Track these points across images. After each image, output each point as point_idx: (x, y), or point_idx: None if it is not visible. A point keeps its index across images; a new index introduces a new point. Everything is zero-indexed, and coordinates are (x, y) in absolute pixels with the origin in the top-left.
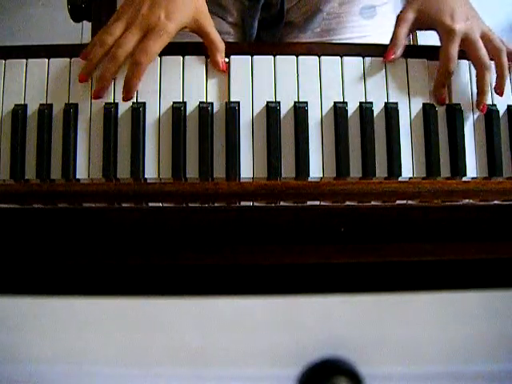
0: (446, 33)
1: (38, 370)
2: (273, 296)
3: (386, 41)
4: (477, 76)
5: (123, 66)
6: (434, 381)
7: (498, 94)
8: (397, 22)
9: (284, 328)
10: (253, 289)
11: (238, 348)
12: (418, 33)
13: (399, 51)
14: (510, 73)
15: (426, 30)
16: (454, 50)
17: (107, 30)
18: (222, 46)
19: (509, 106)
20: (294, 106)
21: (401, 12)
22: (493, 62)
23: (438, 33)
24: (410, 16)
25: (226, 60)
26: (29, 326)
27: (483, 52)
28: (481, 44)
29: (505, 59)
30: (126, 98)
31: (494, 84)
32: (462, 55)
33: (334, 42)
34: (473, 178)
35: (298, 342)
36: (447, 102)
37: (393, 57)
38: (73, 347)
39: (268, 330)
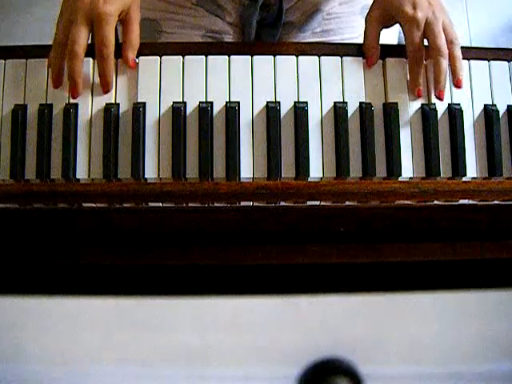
0: (408, 21)
1: (38, 370)
2: (273, 296)
3: (386, 41)
4: (434, 64)
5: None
6: (434, 381)
7: (455, 86)
8: (366, 23)
9: (284, 328)
10: (253, 289)
11: (238, 348)
12: None
13: (376, 55)
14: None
15: (393, 24)
16: (417, 37)
17: (56, 32)
18: (136, 44)
19: (509, 106)
20: (294, 106)
21: (367, 13)
22: None
23: (400, 24)
24: (376, 14)
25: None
26: (29, 326)
27: (443, 41)
28: (440, 31)
29: (457, 51)
30: (105, 92)
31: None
32: (463, 55)
33: (333, 42)
34: (473, 178)
35: (297, 341)
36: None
37: (373, 63)
38: (72, 347)
39: (268, 330)
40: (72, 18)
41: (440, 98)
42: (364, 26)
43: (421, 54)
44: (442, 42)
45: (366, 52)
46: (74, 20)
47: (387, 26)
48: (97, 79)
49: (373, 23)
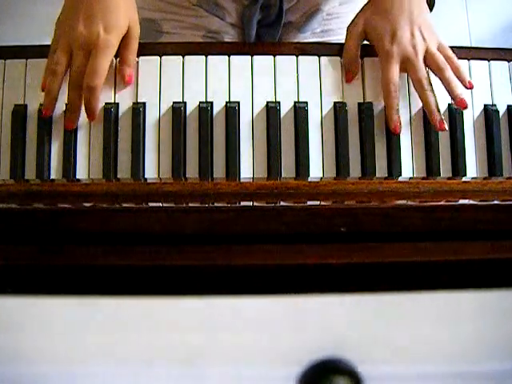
0: (383, 56)
1: (38, 370)
2: (273, 296)
3: None
4: (419, 97)
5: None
6: (434, 381)
7: (460, 108)
8: (346, 35)
9: (284, 328)
10: (253, 289)
11: (238, 348)
12: None
13: (354, 69)
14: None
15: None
16: (392, 71)
17: (54, 60)
18: (133, 61)
19: (509, 106)
20: (294, 106)
21: (350, 24)
22: None
23: (378, 56)
24: (358, 30)
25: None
26: (29, 326)
27: (422, 74)
28: (418, 65)
29: (450, 76)
30: (91, 120)
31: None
32: (462, 55)
33: (333, 42)
34: (473, 178)
35: (297, 342)
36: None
37: (352, 78)
38: (73, 347)
39: (268, 329)
40: (72, 46)
41: (441, 130)
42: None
43: (393, 88)
44: (421, 75)
45: (346, 66)
46: (73, 49)
47: (366, 42)
48: None
49: (353, 37)
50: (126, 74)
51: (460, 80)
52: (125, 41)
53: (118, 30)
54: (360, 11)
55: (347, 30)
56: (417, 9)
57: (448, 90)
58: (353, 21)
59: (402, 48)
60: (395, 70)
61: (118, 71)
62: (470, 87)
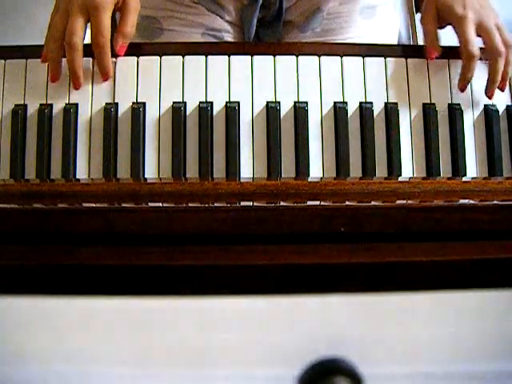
0: (459, 20)
1: (38, 370)
2: (273, 296)
3: (386, 41)
4: (490, 64)
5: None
6: (434, 381)
7: (499, 89)
8: (422, 25)
9: (284, 328)
10: (253, 289)
11: (238, 348)
12: (418, 33)
13: (438, 48)
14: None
15: (443, 27)
16: (470, 33)
17: (52, 25)
18: (129, 33)
19: (508, 106)
20: (294, 106)
21: (422, 15)
22: None
23: (452, 24)
24: (431, 14)
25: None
26: (29, 326)
27: (498, 40)
28: (495, 31)
29: (510, 55)
30: (105, 79)
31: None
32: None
33: (333, 42)
34: (473, 178)
35: (297, 341)
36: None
37: (436, 54)
38: (73, 347)
39: (268, 330)
40: (68, 10)
41: (489, 97)
42: (421, 26)
43: (474, 49)
44: (497, 40)
45: (429, 46)
46: (69, 11)
47: (440, 27)
48: (96, 79)
49: (430, 23)
50: (117, 44)
51: (504, 74)
52: (122, 12)
53: None
54: (425, 2)
55: (421, 21)
56: None
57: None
58: (423, 11)
59: (476, 13)
60: (472, 30)
61: (113, 42)
62: (503, 89)
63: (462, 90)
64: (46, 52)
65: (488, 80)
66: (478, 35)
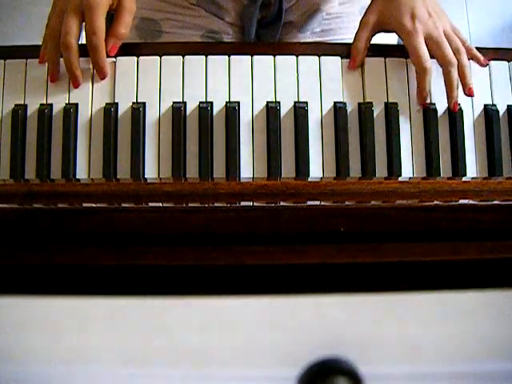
0: (408, 34)
1: (38, 370)
2: (273, 296)
3: (386, 41)
4: (444, 75)
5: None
6: (434, 381)
7: (466, 95)
8: (359, 26)
9: (284, 328)
10: (253, 289)
11: (238, 348)
12: None
13: (360, 59)
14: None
15: (387, 32)
16: (421, 47)
17: (48, 25)
18: (122, 35)
19: (509, 106)
20: (294, 106)
21: (363, 16)
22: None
23: (399, 36)
24: (372, 19)
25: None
26: (29, 326)
27: (447, 49)
28: (444, 41)
29: (465, 60)
30: (102, 78)
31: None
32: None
33: (333, 41)
34: (473, 178)
35: (297, 342)
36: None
37: (357, 64)
38: (73, 347)
39: (268, 330)
40: (64, 11)
41: (454, 110)
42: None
43: (427, 63)
44: (447, 51)
45: (352, 53)
46: (65, 11)
47: (381, 31)
48: (96, 79)
49: (366, 27)
50: (109, 44)
51: (462, 78)
52: (117, 13)
53: None
54: (370, 5)
55: (360, 22)
56: None
57: (446, 86)
58: (365, 13)
59: (424, 25)
60: (422, 42)
61: (105, 40)
62: (470, 94)
63: (424, 105)
64: (43, 52)
65: (446, 92)
66: (428, 48)
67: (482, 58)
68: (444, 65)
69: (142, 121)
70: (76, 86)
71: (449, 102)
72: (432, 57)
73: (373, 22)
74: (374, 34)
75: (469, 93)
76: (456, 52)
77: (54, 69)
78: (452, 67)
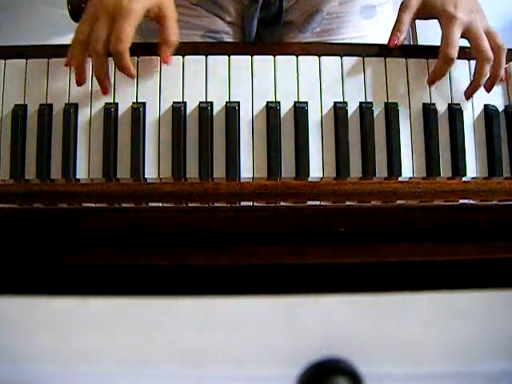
0: (448, 19)
1: (38, 370)
2: (273, 296)
3: (386, 41)
4: (476, 66)
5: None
6: (434, 381)
7: (486, 90)
8: (401, 8)
9: (284, 328)
10: (253, 289)
11: (238, 348)
12: (418, 33)
13: (403, 37)
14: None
15: (428, 19)
16: (455, 35)
17: (78, 30)
18: (173, 41)
19: (506, 107)
20: (294, 106)
21: (404, 0)
22: None
23: (439, 21)
24: (414, 3)
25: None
26: (29, 326)
27: (486, 44)
28: (482, 34)
29: (503, 59)
30: (131, 77)
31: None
32: (462, 55)
33: (333, 42)
34: (473, 178)
35: (297, 342)
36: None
37: (396, 42)
38: (73, 347)
39: (268, 329)
40: (96, 16)
41: (467, 98)
42: (397, 12)
43: (453, 52)
44: (485, 44)
45: (393, 33)
46: (97, 19)
47: (422, 18)
48: (96, 80)
49: (408, 11)
50: (164, 55)
51: (494, 75)
52: (160, 21)
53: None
54: None
55: (401, 4)
56: None
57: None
58: None
59: (466, 16)
60: (458, 32)
61: (159, 54)
62: (489, 90)
63: (430, 84)
64: (70, 57)
65: (471, 82)
66: (465, 37)
67: (498, 81)
68: (480, 56)
69: (142, 121)
70: (105, 92)
71: (468, 90)
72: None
73: (415, 6)
74: (416, 19)
75: (489, 88)
76: (497, 48)
77: (79, 74)
78: (486, 61)
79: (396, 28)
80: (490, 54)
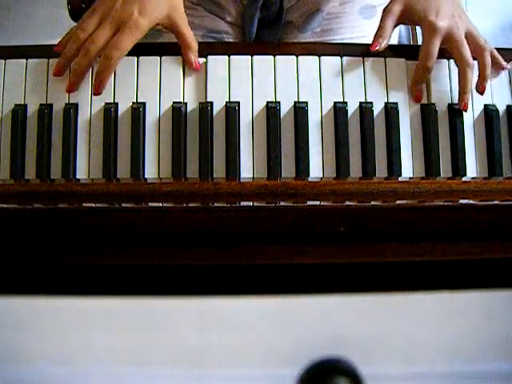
0: (429, 29)
1: (38, 370)
2: (273, 296)
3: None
4: (459, 74)
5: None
6: (434, 381)
7: (478, 92)
8: (383, 14)
9: (284, 328)
10: (253, 289)
11: (238, 348)
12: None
13: (384, 43)
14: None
15: (410, 24)
16: (434, 46)
17: (81, 26)
18: (194, 46)
19: (508, 106)
20: (294, 106)
21: (388, 4)
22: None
23: (421, 29)
24: (397, 9)
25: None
26: (29, 326)
27: (466, 50)
28: (464, 42)
29: (488, 59)
30: (96, 92)
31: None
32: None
33: (333, 41)
34: (473, 178)
35: (297, 341)
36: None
37: (378, 48)
38: (73, 347)
39: (268, 330)
40: (102, 19)
41: (464, 110)
42: (380, 16)
43: (431, 63)
44: (465, 50)
45: (376, 39)
46: (103, 22)
47: (404, 23)
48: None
49: (392, 16)
50: (191, 60)
51: (481, 75)
52: (173, 30)
53: (152, 15)
54: None
55: (384, 10)
56: None
57: (460, 85)
58: (390, 2)
59: (447, 23)
60: (438, 43)
61: (185, 61)
62: (481, 92)
63: (418, 98)
64: (62, 45)
65: (459, 91)
66: (446, 45)
67: (503, 62)
68: (461, 64)
69: (142, 121)
70: (70, 90)
71: (459, 101)
72: (450, 57)
73: (398, 12)
74: (398, 25)
75: (481, 90)
76: (479, 49)
77: (64, 65)
78: (468, 68)
79: (378, 34)
80: (470, 61)
